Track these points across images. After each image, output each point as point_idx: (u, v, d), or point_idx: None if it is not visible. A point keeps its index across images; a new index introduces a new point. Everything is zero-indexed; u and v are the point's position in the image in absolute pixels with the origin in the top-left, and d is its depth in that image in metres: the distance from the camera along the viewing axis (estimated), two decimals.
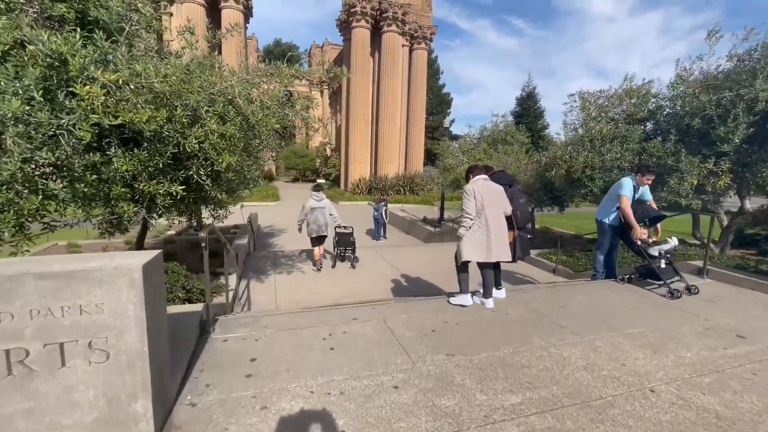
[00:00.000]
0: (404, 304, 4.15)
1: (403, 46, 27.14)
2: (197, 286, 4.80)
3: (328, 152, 39.54)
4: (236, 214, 16.88)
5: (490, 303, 3.99)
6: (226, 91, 3.39)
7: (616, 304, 4.14)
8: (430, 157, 39.55)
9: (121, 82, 2.71)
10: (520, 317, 3.71)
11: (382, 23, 25.72)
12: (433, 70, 43.23)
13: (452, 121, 14.55)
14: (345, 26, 27.33)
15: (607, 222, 4.91)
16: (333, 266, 7.63)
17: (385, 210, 12.63)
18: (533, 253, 8.28)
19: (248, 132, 3.57)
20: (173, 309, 3.66)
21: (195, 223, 13.06)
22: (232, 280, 5.86)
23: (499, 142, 10.92)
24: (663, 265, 4.57)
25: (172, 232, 12.61)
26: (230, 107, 3.35)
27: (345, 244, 7.83)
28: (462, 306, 3.97)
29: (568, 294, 4.53)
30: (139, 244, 7.48)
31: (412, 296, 5.21)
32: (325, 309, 4.16)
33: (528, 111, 36.92)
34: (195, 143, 3.24)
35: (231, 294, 5.20)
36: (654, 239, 4.76)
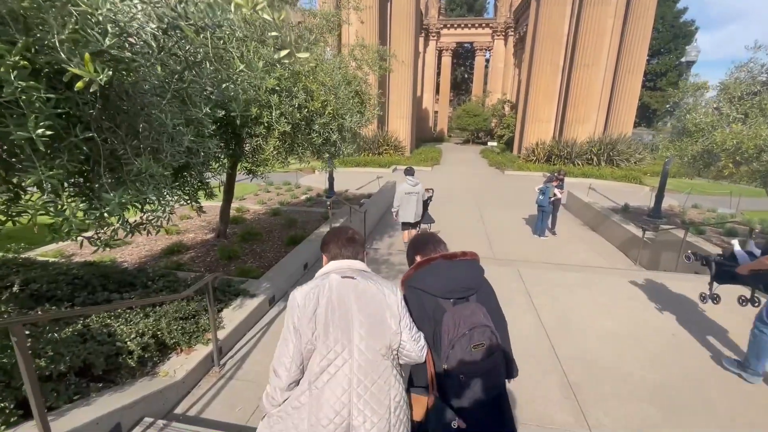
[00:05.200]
0: None
1: None
2: (134, 345, 2.73)
3: (506, 111, 34.00)
4: (386, 177, 13.69)
5: None
6: None
7: None
8: (646, 115, 29.14)
9: None
10: None
11: None
12: None
13: (695, 56, 8.50)
14: None
15: None
16: None
17: (557, 193, 8.39)
18: None
19: None
20: None
21: (327, 188, 11.69)
22: (247, 307, 3.68)
23: None
24: None
25: (305, 196, 11.59)
26: None
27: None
28: None
29: None
30: (223, 216, 6.15)
31: None
32: None
33: None
34: None
35: (212, 348, 2.99)
36: None
